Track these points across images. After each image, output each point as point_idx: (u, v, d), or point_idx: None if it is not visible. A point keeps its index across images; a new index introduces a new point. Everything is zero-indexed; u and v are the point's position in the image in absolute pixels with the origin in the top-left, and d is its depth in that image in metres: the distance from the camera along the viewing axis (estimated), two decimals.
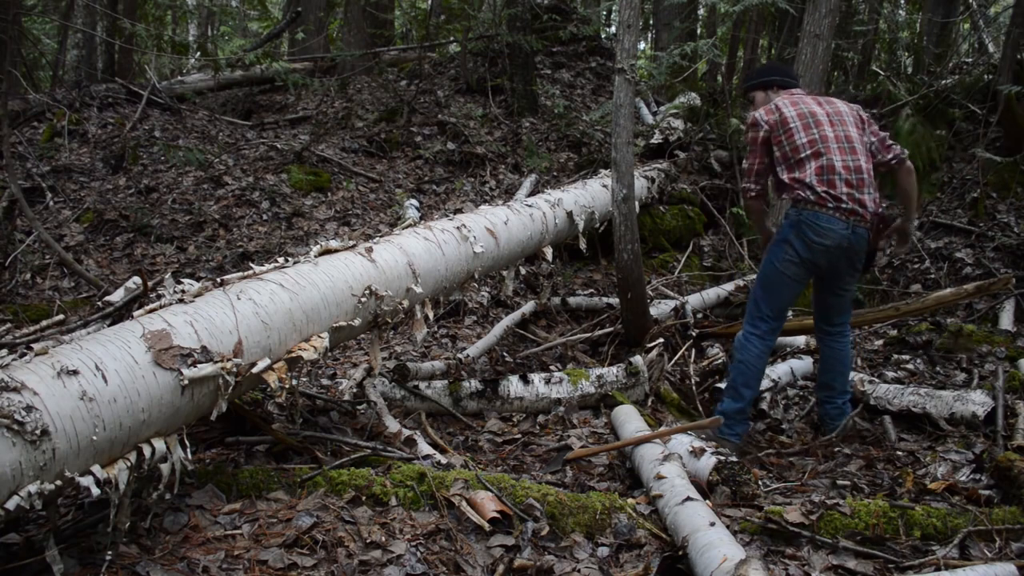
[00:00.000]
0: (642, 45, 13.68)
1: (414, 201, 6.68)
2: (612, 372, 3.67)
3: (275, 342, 2.28)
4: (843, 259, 3.29)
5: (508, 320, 4.69)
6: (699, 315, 4.85)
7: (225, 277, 2.37)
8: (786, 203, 3.52)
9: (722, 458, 2.67)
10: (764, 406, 3.73)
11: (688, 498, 2.30)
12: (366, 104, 8.78)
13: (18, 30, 6.26)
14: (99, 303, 3.20)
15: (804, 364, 4.08)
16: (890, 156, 3.38)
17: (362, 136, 7.94)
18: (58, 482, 1.66)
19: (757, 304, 3.40)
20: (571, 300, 5.15)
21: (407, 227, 3.28)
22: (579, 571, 2.11)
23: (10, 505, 1.56)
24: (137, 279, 2.70)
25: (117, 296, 2.72)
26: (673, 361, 4.21)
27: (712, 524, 2.14)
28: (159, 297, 2.25)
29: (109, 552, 1.87)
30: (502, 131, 8.04)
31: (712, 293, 5.32)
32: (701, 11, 12.30)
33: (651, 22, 12.45)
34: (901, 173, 3.40)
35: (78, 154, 6.91)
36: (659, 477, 2.51)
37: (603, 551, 2.22)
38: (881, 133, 3.45)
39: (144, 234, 5.82)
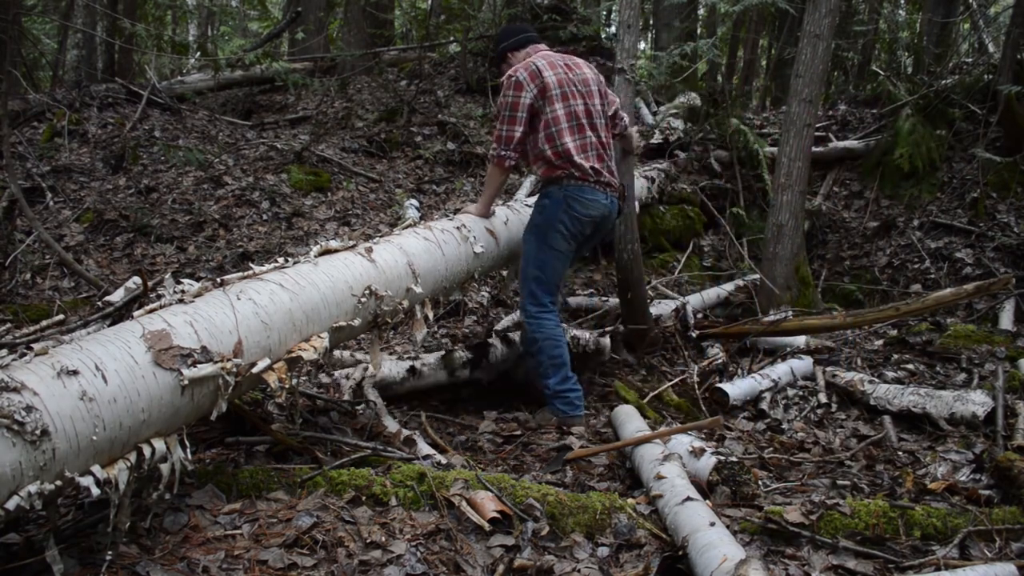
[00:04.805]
0: (642, 45, 13.67)
1: (414, 201, 6.67)
2: (586, 336, 3.85)
3: (275, 342, 2.28)
4: (601, 229, 3.49)
5: (508, 320, 4.69)
6: (699, 315, 4.86)
7: (225, 277, 2.36)
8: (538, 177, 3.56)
9: (722, 458, 2.67)
10: (764, 406, 3.73)
11: (688, 498, 2.31)
12: (366, 104, 8.78)
13: (18, 30, 6.26)
14: (99, 303, 3.19)
15: (804, 364, 4.08)
16: (617, 130, 3.66)
17: (362, 136, 7.93)
18: (58, 482, 1.66)
19: (536, 286, 3.40)
20: (571, 300, 5.15)
21: (407, 227, 3.28)
22: (579, 571, 2.11)
23: (10, 505, 1.56)
24: (137, 279, 2.69)
25: (117, 296, 2.72)
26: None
27: (712, 524, 2.14)
28: (159, 297, 2.25)
29: (109, 552, 1.87)
30: None
31: (712, 293, 5.32)
32: (701, 11, 12.31)
33: (651, 22, 12.45)
34: (624, 139, 3.83)
35: (78, 154, 6.90)
36: (659, 477, 2.51)
37: (603, 551, 2.22)
38: (615, 99, 3.63)
39: (144, 234, 5.81)
